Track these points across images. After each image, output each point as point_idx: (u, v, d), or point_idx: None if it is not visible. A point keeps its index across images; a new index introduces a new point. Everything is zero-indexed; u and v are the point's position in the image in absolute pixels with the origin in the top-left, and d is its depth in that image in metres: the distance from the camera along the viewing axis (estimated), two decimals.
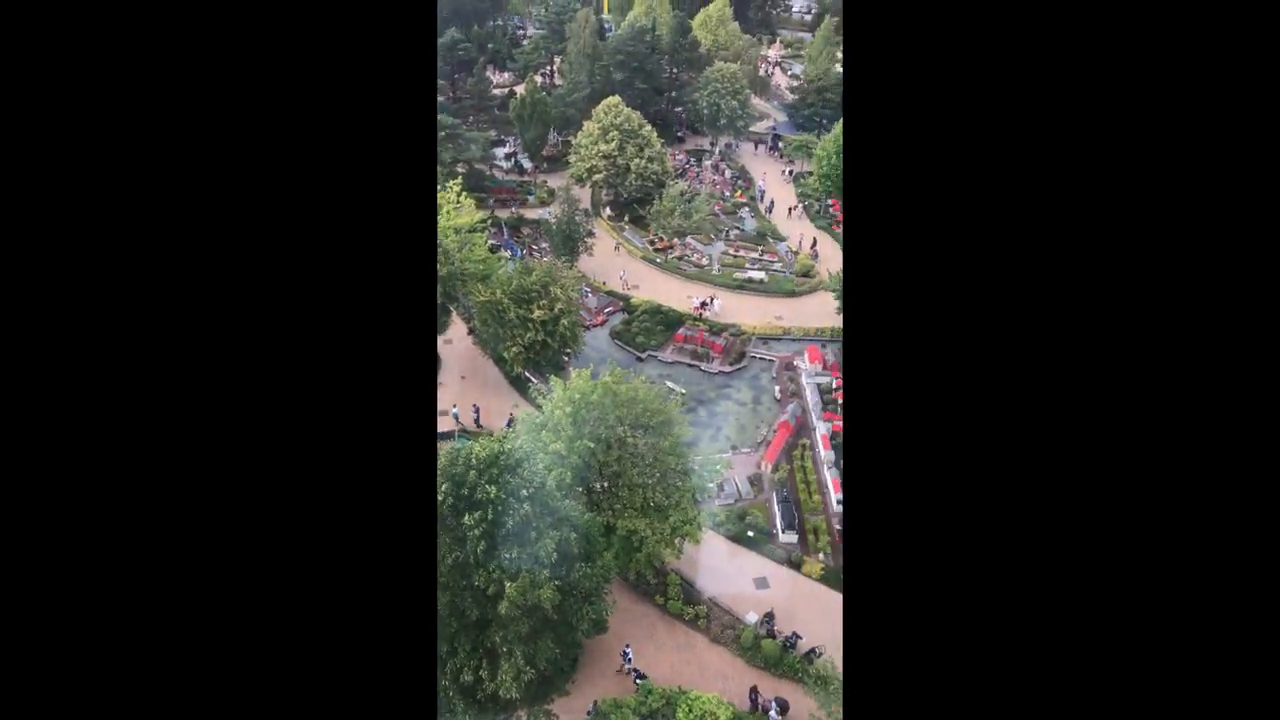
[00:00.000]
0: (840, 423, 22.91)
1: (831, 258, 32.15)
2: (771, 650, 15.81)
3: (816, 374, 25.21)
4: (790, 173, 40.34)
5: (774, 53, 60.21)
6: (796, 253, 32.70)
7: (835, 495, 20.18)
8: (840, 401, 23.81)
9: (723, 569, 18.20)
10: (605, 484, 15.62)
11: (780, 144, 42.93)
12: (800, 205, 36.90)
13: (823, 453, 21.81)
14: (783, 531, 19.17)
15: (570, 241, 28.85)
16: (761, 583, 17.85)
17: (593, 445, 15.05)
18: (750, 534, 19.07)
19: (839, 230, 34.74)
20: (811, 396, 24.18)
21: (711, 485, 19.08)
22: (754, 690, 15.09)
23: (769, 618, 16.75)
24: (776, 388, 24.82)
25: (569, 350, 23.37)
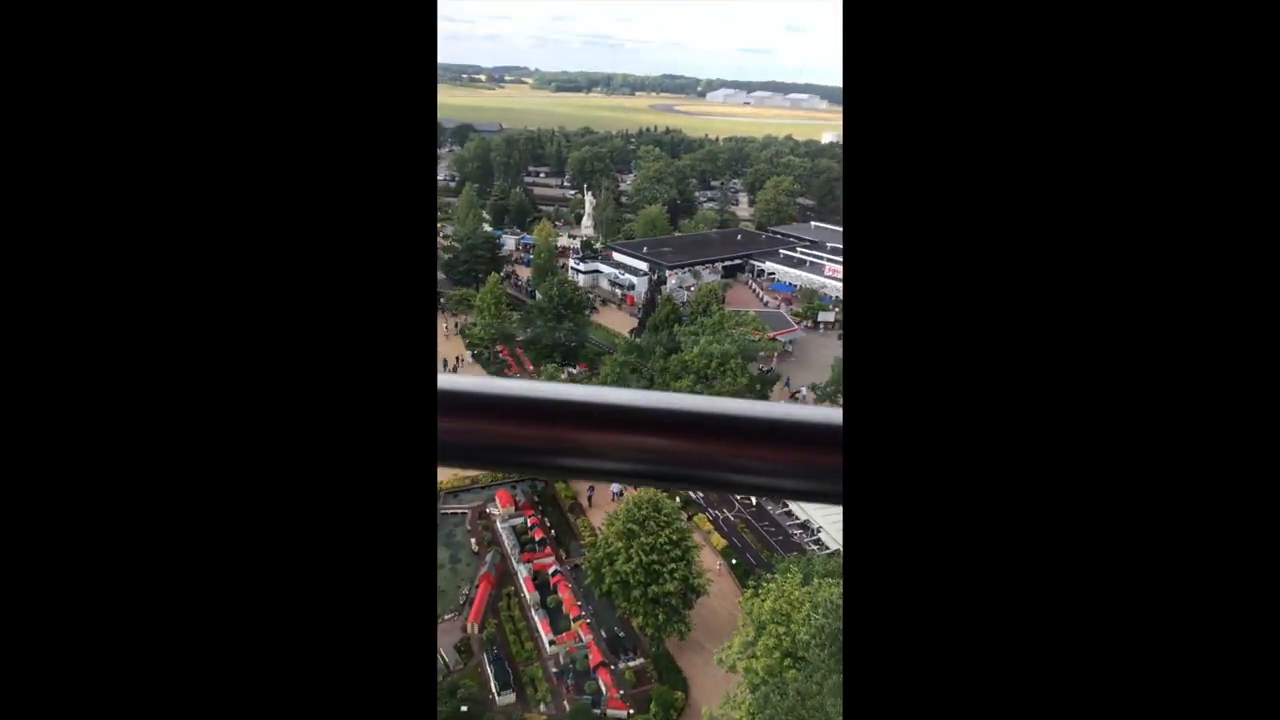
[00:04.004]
0: (541, 560, 22.75)
1: None
2: None
3: (510, 517, 24.90)
4: (456, 325, 41.19)
5: None
6: None
7: (546, 637, 19.61)
8: (538, 539, 23.76)
9: None
10: None
11: (441, 299, 43.85)
12: (469, 354, 37.64)
13: (528, 595, 21.23)
14: (499, 693, 17.90)
15: None
16: None
17: None
18: (464, 709, 17.45)
19: (511, 374, 35.99)
20: (509, 540, 23.71)
21: None
22: None
23: None
24: (472, 540, 23.90)
25: None
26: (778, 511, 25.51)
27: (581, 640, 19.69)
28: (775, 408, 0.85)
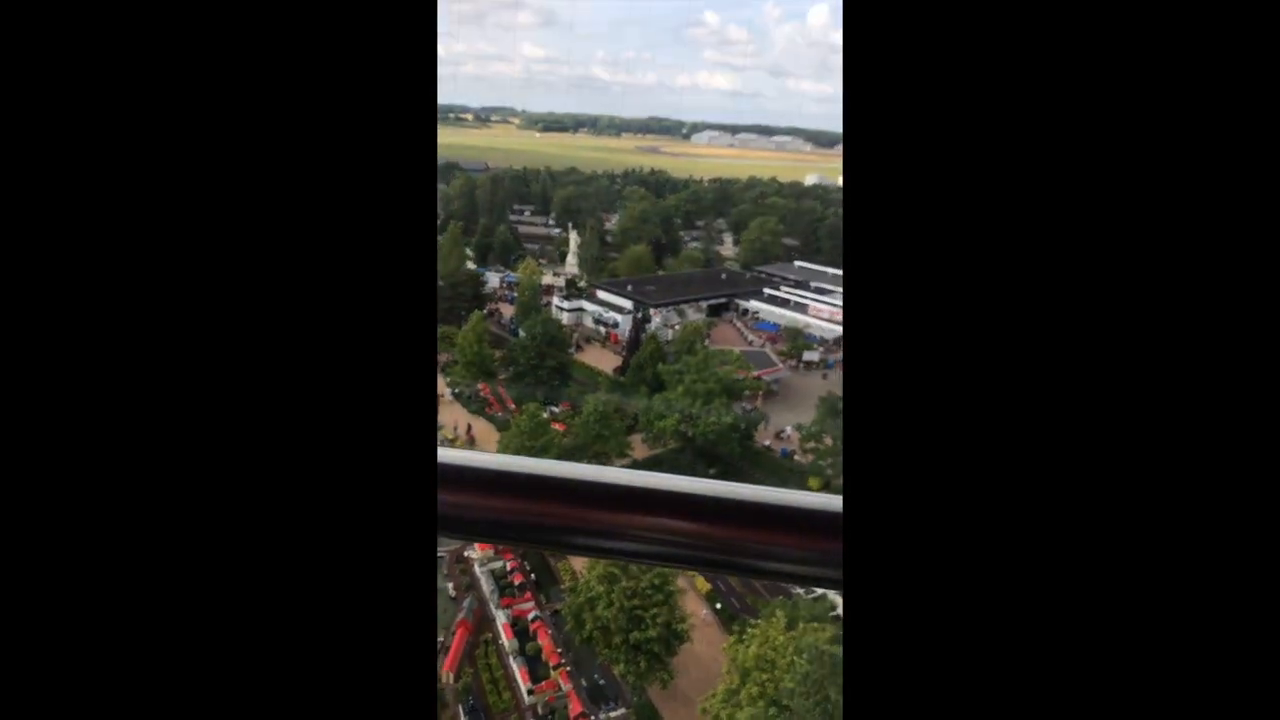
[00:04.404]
0: (520, 606, 22.17)
1: (486, 440, 32.52)
2: None
3: (489, 560, 24.33)
4: (438, 363, 40.83)
5: None
6: (454, 440, 32.45)
7: (525, 686, 18.97)
8: (518, 584, 23.19)
9: None
10: None
11: None
12: (449, 391, 37.25)
13: (506, 642, 20.61)
14: None
15: None
16: None
17: None
18: None
19: (492, 413, 35.60)
20: (487, 585, 23.12)
21: None
22: None
23: None
24: (450, 584, 23.27)
25: None
26: None
27: (561, 689, 19.08)
28: (791, 495, 0.88)
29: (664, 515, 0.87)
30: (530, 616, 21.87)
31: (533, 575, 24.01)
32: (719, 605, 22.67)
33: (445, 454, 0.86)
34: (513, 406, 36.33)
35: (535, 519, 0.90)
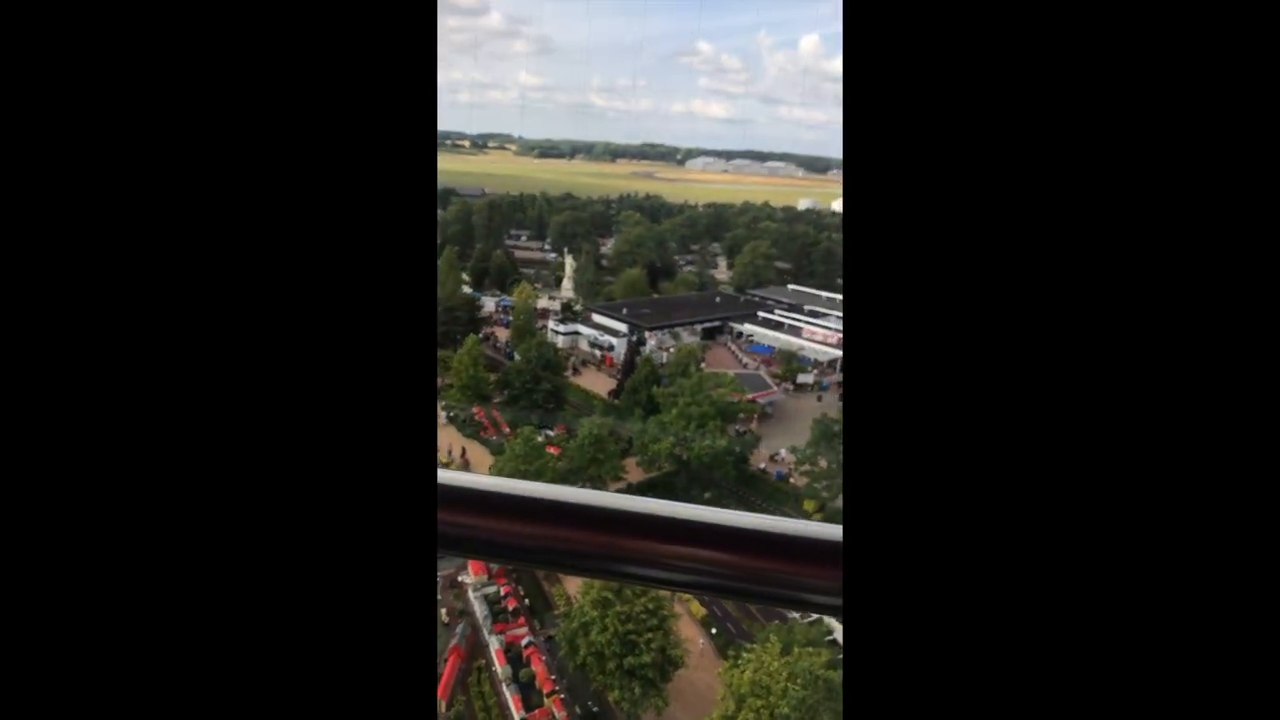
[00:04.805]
0: (514, 631, 21.91)
1: (480, 465, 32.41)
2: None
3: (483, 585, 24.08)
4: None
5: None
6: (448, 464, 32.30)
7: (518, 715, 18.70)
8: (512, 609, 22.95)
9: None
10: None
11: None
12: (444, 415, 37.13)
13: (499, 669, 20.34)
14: None
15: None
16: None
17: None
18: None
19: (486, 436, 35.46)
20: (481, 610, 22.86)
21: None
22: None
23: None
24: (442, 610, 23.01)
25: None
26: None
27: (555, 717, 18.80)
28: (795, 524, 0.89)
29: (709, 547, 0.89)
30: (524, 642, 21.62)
31: (527, 600, 23.78)
32: (714, 630, 22.45)
33: (445, 475, 0.88)
34: (507, 430, 36.18)
35: (531, 541, 0.91)
